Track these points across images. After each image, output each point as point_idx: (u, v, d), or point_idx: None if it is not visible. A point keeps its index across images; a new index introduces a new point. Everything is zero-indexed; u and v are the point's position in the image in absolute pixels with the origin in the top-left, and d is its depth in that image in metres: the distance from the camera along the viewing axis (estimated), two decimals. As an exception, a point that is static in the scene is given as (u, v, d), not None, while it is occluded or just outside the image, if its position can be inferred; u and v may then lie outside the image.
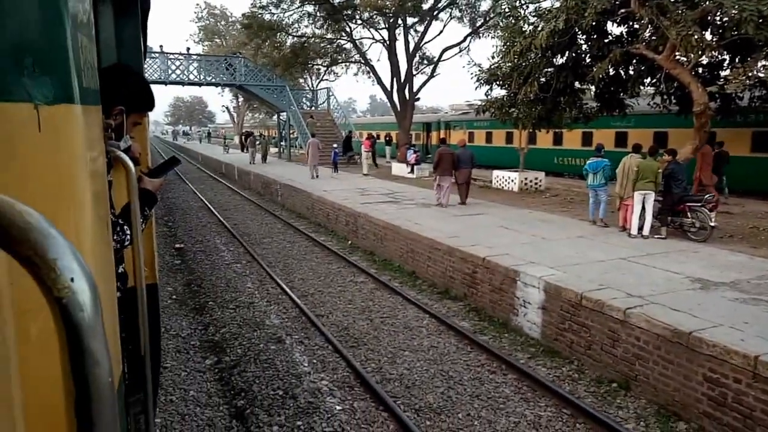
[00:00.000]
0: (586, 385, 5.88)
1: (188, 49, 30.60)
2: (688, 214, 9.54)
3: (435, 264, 9.46)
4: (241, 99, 55.58)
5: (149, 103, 2.37)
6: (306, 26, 29.01)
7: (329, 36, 29.58)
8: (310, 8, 27.55)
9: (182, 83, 28.73)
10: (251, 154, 29.21)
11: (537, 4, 14.68)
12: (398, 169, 22.43)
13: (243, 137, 40.25)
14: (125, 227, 2.13)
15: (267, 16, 27.98)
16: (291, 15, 28.55)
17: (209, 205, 18.60)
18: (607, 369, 5.96)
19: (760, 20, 9.15)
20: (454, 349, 6.83)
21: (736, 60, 12.09)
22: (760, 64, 10.26)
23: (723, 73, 13.01)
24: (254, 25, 27.15)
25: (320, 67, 34.94)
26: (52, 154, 0.97)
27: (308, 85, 44.08)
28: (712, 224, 9.29)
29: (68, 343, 0.58)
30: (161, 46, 28.60)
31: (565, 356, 6.53)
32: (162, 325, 5.52)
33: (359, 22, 28.00)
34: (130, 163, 2.03)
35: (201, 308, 8.42)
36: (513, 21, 14.14)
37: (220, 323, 7.75)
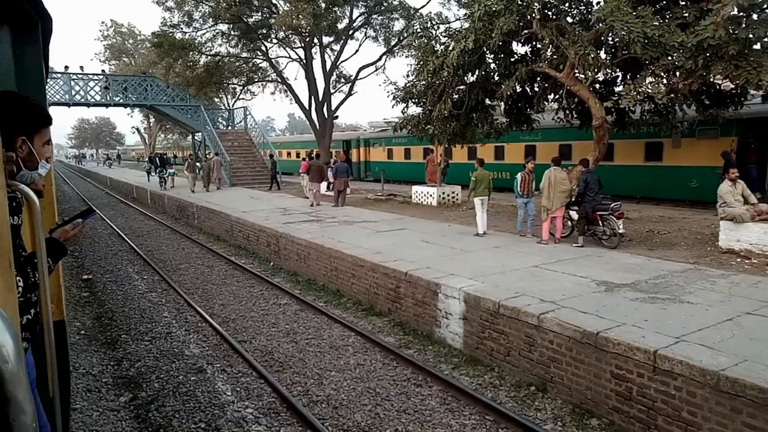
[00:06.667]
0: (507, 391, 6.10)
1: (103, 70, 29.15)
2: (600, 222, 10.18)
3: (359, 281, 9.49)
4: (152, 119, 53.44)
5: (44, 119, 2.24)
6: (220, 45, 28.53)
7: (244, 55, 29.20)
8: (223, 27, 27.12)
9: (87, 104, 27.24)
10: (191, 180, 24.72)
11: (447, 25, 15.31)
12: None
13: (149, 159, 38.31)
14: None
15: (178, 35, 27.22)
16: (204, 34, 27.99)
17: (120, 232, 17.65)
18: (526, 373, 6.23)
19: (646, 41, 10.01)
20: (380, 365, 6.86)
21: (628, 77, 13.16)
22: (647, 81, 11.18)
23: (617, 89, 14.09)
24: (165, 44, 26.28)
25: (236, 86, 34.37)
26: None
27: (224, 105, 43.17)
28: (620, 231, 9.97)
29: None
30: (66, 67, 27.10)
31: (486, 364, 6.74)
32: (70, 363, 5.17)
33: (275, 41, 27.88)
34: (33, 196, 1.96)
35: (113, 342, 7.94)
36: (425, 41, 14.61)
37: (134, 357, 7.34)
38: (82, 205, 26.52)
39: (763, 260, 8.68)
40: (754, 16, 9.70)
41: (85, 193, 35.03)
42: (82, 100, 26.61)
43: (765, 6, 9.61)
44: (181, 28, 27.51)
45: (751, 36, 9.29)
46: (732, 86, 12.00)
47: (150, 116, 51.94)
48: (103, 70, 30.55)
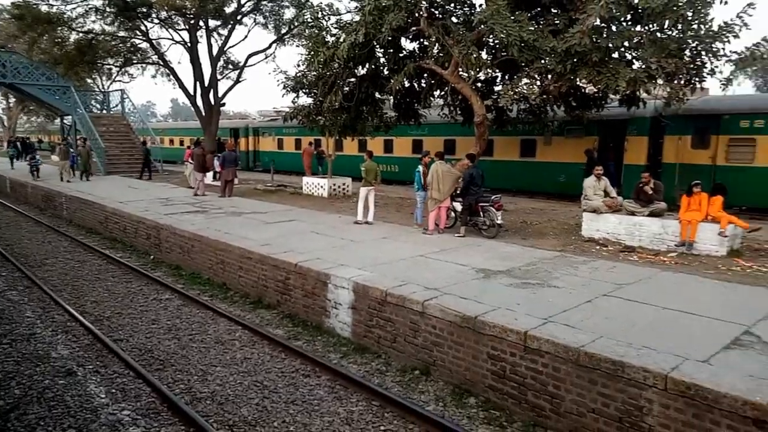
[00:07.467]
0: (393, 376, 6.31)
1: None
2: (481, 213, 10.77)
3: (247, 274, 9.27)
4: (12, 99, 47.92)
5: None
6: (94, 22, 26.12)
7: (121, 34, 27.04)
8: (97, 2, 24.87)
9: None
10: (62, 168, 21.65)
11: (338, 17, 15.27)
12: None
13: (10, 144, 34.34)
14: None
15: (44, 8, 24.56)
16: (75, 8, 25.49)
17: (-28, 225, 15.73)
18: (411, 358, 6.48)
19: (522, 44, 10.71)
20: (268, 358, 6.79)
21: (506, 77, 14.01)
22: (523, 82, 11.98)
23: (497, 89, 14.95)
24: (27, 17, 23.60)
25: (112, 67, 31.79)
26: None
27: (99, 86, 39.79)
28: (499, 222, 10.63)
29: None
30: None
31: (373, 351, 6.91)
32: None
33: (156, 21, 26.11)
34: None
35: (-37, 347, 7.09)
36: (316, 31, 14.49)
37: (-10, 362, 6.62)
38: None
39: (617, 247, 9.72)
40: (613, 28, 10.76)
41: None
42: None
43: (622, 19, 10.68)
44: (48, 1, 24.88)
45: (610, 45, 10.29)
46: (595, 90, 13.23)
47: (9, 96, 46.53)
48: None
